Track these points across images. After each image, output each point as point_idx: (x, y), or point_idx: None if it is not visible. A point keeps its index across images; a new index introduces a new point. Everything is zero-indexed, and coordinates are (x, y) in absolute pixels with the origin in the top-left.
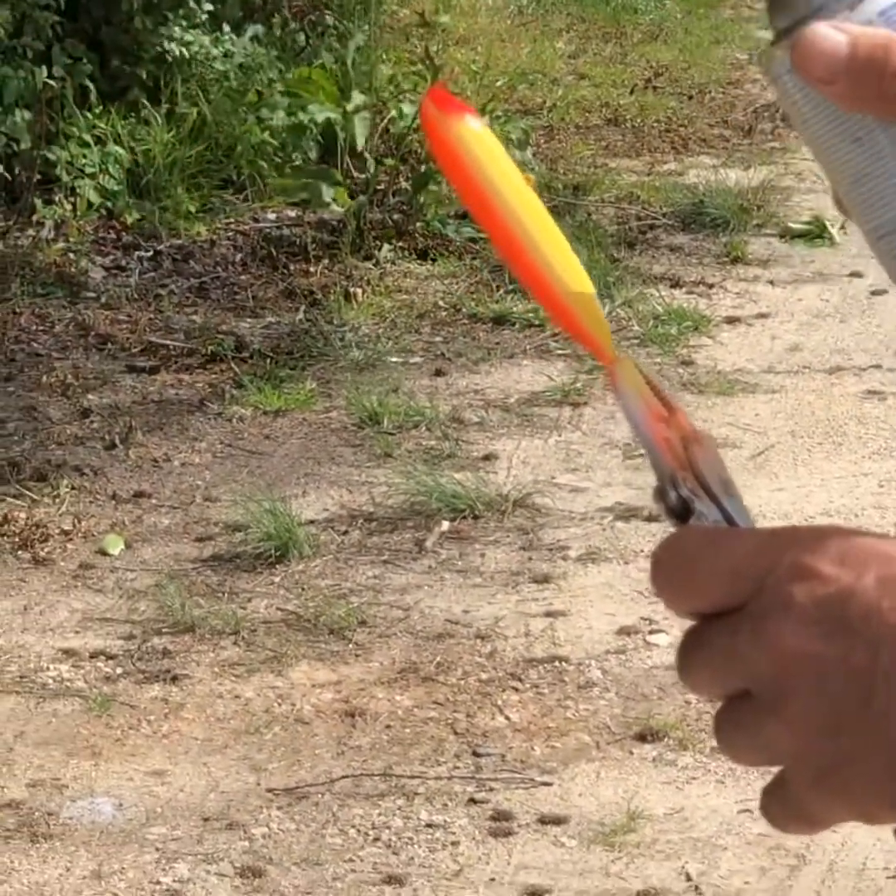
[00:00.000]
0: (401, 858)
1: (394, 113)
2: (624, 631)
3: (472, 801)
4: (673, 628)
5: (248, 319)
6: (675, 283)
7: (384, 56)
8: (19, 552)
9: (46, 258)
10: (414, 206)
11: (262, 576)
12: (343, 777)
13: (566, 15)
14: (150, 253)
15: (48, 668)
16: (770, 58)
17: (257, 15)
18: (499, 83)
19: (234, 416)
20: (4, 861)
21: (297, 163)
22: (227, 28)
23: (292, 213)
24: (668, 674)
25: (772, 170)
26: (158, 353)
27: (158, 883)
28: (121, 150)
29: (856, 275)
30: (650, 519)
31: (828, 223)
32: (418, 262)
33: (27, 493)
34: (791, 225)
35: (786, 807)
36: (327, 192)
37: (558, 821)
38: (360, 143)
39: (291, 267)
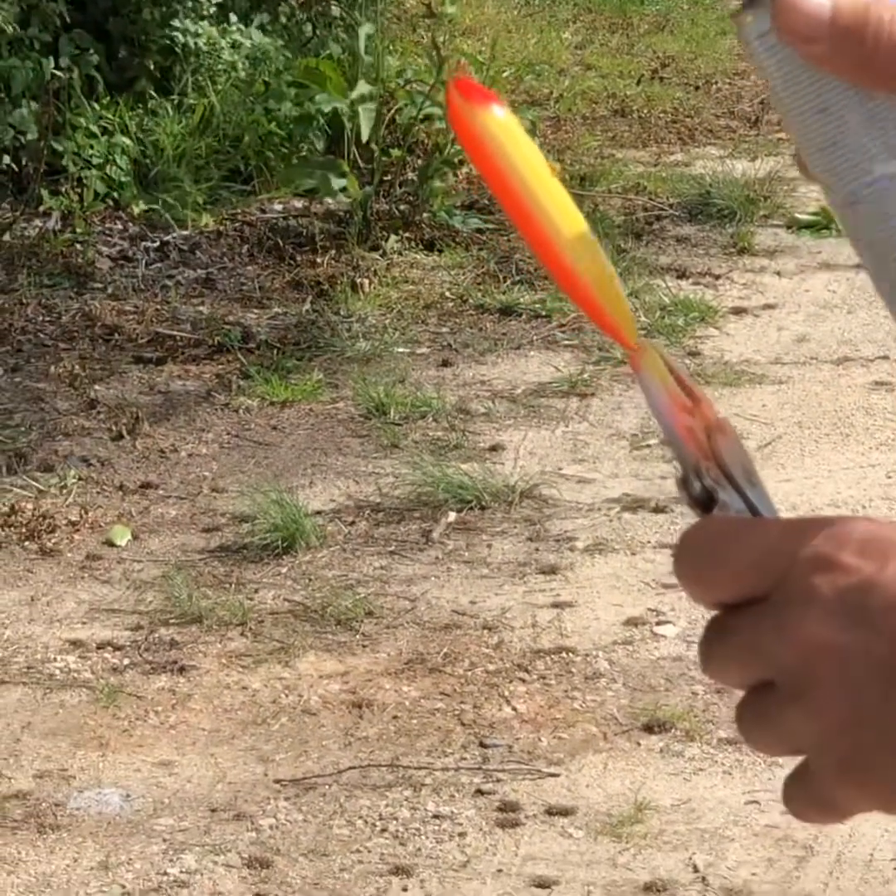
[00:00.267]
0: (408, 849)
1: (400, 104)
2: (631, 622)
3: (480, 792)
4: (680, 619)
5: (255, 310)
6: (682, 274)
7: (391, 47)
8: (26, 543)
9: (53, 249)
10: (420, 197)
11: (269, 567)
12: (350, 768)
13: (573, 5)
14: (157, 244)
15: (55, 659)
16: (741, 23)
17: (264, 5)
18: (505, 74)
19: (240, 407)
20: (12, 852)
21: (304, 153)
22: (234, 19)
23: (299, 204)
24: (675, 665)
25: (778, 160)
26: (165, 344)
27: (166, 874)
28: (128, 141)
29: (863, 266)
30: (657, 510)
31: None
32: (425, 252)
33: (34, 483)
34: (798, 216)
35: (808, 796)
36: (336, 183)
37: (565, 812)
38: (366, 134)
39: (298, 258)
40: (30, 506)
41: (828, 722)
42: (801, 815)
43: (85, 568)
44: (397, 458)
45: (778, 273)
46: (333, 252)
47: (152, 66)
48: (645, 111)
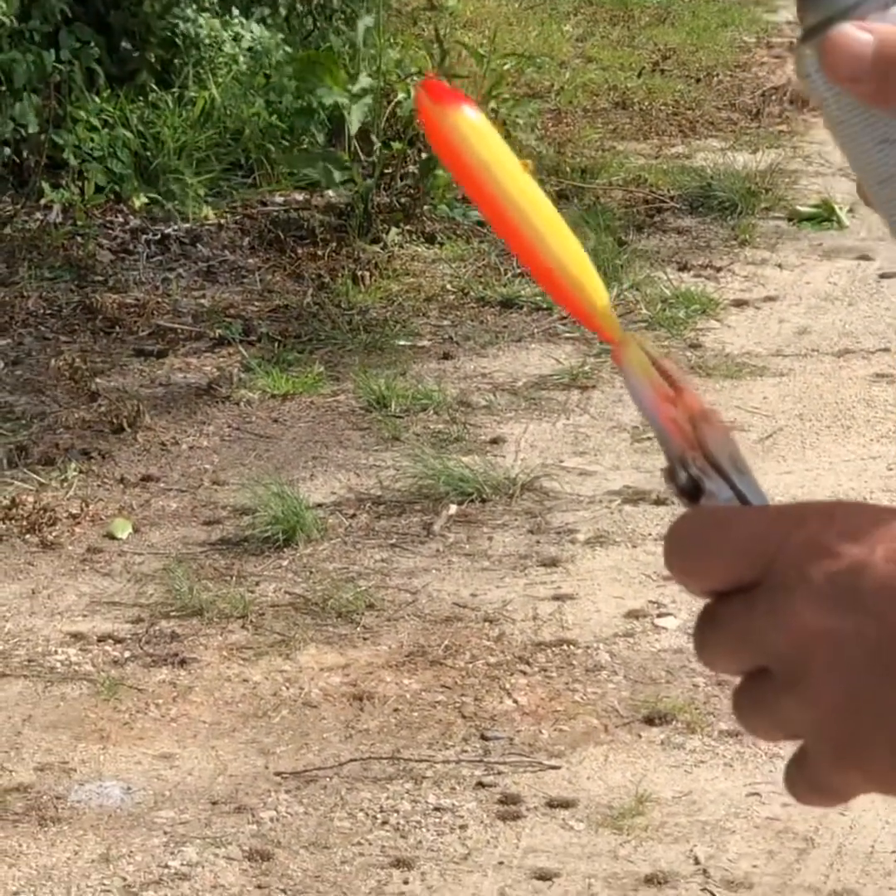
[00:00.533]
0: (409, 842)
1: (401, 96)
2: (632, 614)
3: (481, 784)
4: (681, 611)
5: (256, 303)
6: (683, 267)
7: (392, 39)
8: (27, 536)
9: (54, 242)
10: (421, 190)
11: (270, 559)
12: (351, 760)
13: None
14: (158, 236)
15: (56, 652)
16: (799, 56)
17: None
18: (506, 66)
19: (241, 400)
20: (13, 844)
21: (304, 146)
22: (235, 11)
23: (300, 197)
24: (676, 657)
25: (780, 153)
26: (166, 337)
27: (167, 866)
28: (129, 134)
29: (864, 258)
30: (658, 502)
31: (836, 206)
32: (426, 245)
33: (35, 476)
34: (799, 208)
35: (808, 781)
36: (338, 175)
37: (566, 804)
38: (355, 128)
39: (299, 250)
40: (31, 499)
41: (823, 707)
42: (803, 799)
43: (86, 561)
44: (398, 451)
45: (779, 265)
46: (334, 245)
47: (153, 59)
48: (646, 103)
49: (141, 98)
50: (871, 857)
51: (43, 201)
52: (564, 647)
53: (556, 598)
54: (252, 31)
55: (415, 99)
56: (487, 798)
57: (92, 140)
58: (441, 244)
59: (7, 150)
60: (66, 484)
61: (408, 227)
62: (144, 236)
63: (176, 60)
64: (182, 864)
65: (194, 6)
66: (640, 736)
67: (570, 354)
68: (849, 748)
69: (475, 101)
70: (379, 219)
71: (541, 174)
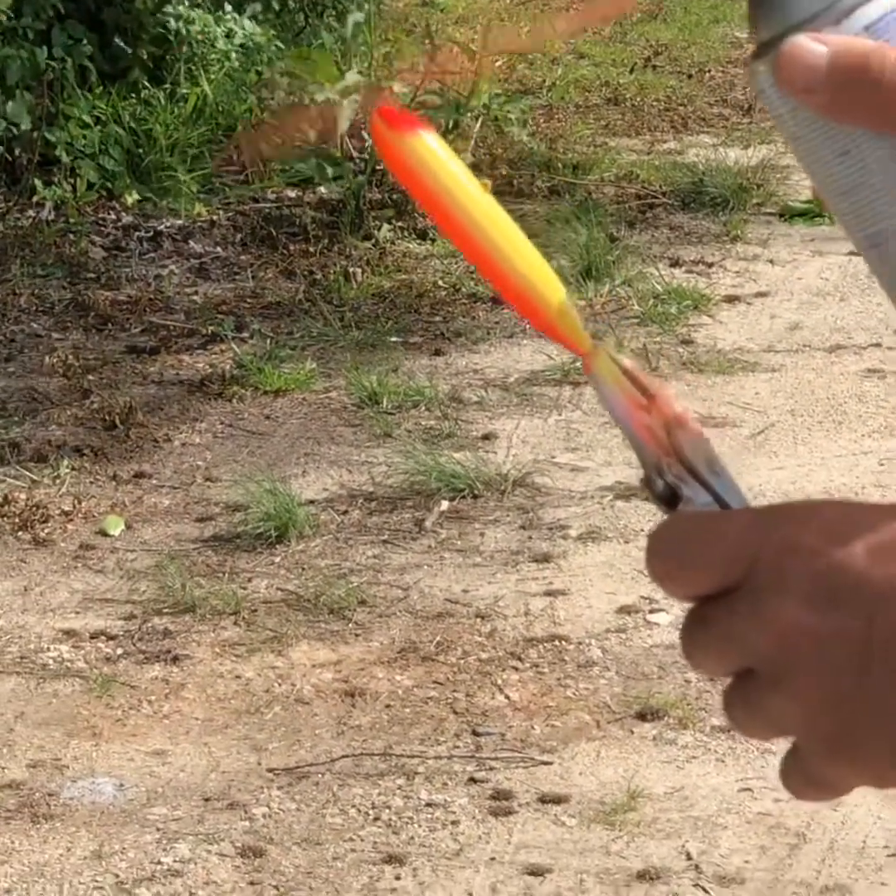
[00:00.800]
0: (401, 838)
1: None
2: (624, 610)
3: (472, 780)
4: (673, 607)
5: (248, 300)
6: (675, 263)
7: (383, 35)
8: (19, 533)
9: (46, 239)
10: None
11: (262, 556)
12: (343, 757)
13: None
14: (150, 233)
15: (49, 649)
16: (753, 72)
17: None
18: (498, 63)
19: (234, 397)
20: (5, 842)
21: (296, 143)
22: (228, 7)
23: (292, 194)
24: (668, 653)
25: (771, 149)
26: (159, 334)
27: (159, 863)
28: (121, 131)
29: (856, 253)
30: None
31: None
32: (418, 241)
33: (27, 473)
34: (790, 204)
35: (803, 776)
36: (330, 171)
37: (558, 800)
38: (344, 125)
39: (291, 247)
40: (23, 496)
41: (810, 704)
42: (800, 794)
43: (78, 558)
44: (390, 448)
45: (771, 261)
46: (326, 241)
47: (145, 56)
48: (638, 99)
49: (133, 95)
50: (863, 852)
51: (35, 199)
52: (556, 642)
53: (548, 593)
54: (244, 28)
55: (369, 126)
56: (479, 794)
57: (84, 137)
58: (433, 240)
59: None
60: (58, 481)
61: (399, 224)
62: (137, 233)
63: (168, 57)
64: (175, 861)
65: (187, 2)
66: (632, 731)
67: (562, 350)
68: (839, 743)
69: (430, 125)
70: (371, 215)
71: (532, 170)
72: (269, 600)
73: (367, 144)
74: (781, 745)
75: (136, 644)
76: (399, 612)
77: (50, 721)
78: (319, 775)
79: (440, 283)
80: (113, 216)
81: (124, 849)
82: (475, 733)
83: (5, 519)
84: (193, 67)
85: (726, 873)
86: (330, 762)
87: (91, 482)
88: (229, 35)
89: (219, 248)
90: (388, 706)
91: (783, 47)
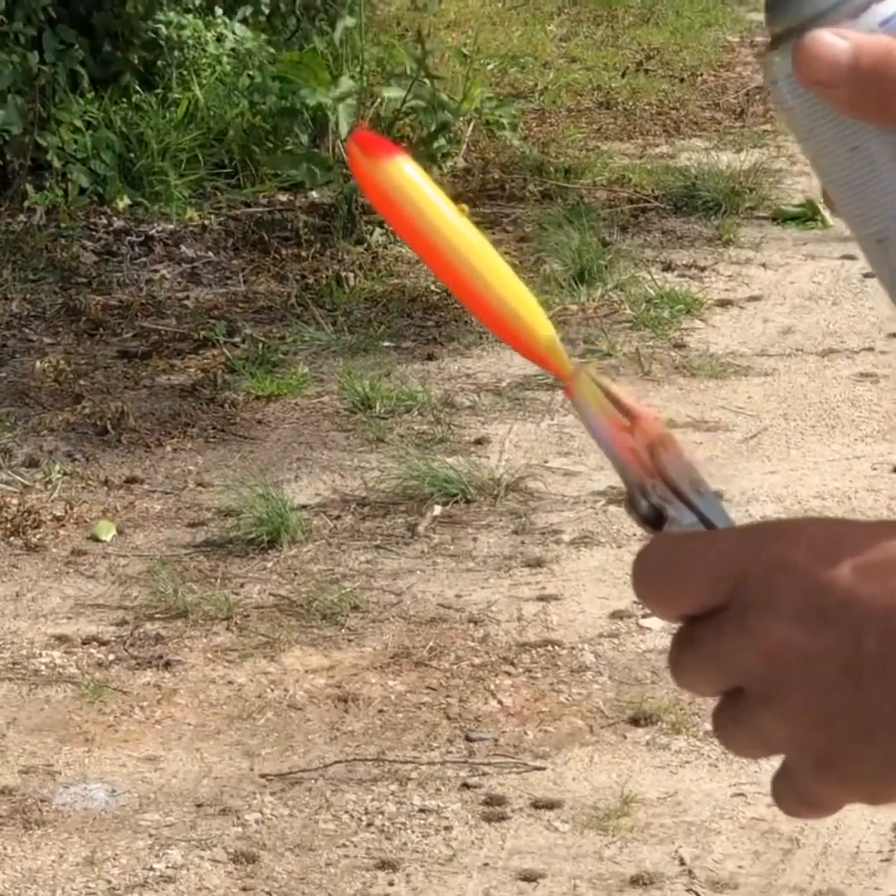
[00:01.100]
0: (394, 843)
1: (382, 96)
2: (617, 615)
3: (466, 785)
4: None
5: (240, 304)
6: (668, 267)
7: (375, 39)
8: (11, 538)
9: (38, 244)
10: None
11: (254, 561)
12: (336, 762)
13: None
14: (142, 238)
15: (41, 655)
16: (767, 63)
17: None
18: (490, 66)
19: (226, 402)
20: None
21: (288, 147)
22: (219, 11)
23: (284, 198)
24: (661, 657)
25: (764, 152)
26: (150, 339)
27: (152, 869)
28: (112, 136)
29: (848, 257)
30: None
31: (820, 206)
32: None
33: (19, 478)
34: (783, 207)
35: (794, 794)
36: (322, 176)
37: (551, 805)
38: (344, 129)
39: (283, 252)
40: (15, 501)
41: (799, 723)
42: (791, 812)
43: (70, 563)
44: (383, 452)
45: (763, 265)
46: (318, 246)
47: (136, 61)
48: (630, 103)
49: (124, 99)
50: (857, 857)
51: (27, 203)
52: (549, 647)
53: (541, 598)
54: (235, 32)
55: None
56: (472, 799)
57: (76, 142)
58: None
59: None
60: (50, 486)
61: (392, 228)
62: (128, 238)
63: (159, 62)
64: (167, 867)
65: (178, 7)
66: (625, 737)
67: None
68: (828, 761)
69: (407, 151)
70: (363, 220)
71: (524, 174)
72: (261, 606)
73: None
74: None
75: (129, 650)
76: (392, 617)
77: (42, 727)
78: (312, 781)
79: (432, 287)
80: (104, 221)
81: (117, 855)
82: (468, 739)
83: None
84: (185, 72)
85: (719, 878)
86: (323, 768)
87: (83, 487)
88: (220, 40)
89: (210, 253)
90: (380, 711)
91: (804, 40)
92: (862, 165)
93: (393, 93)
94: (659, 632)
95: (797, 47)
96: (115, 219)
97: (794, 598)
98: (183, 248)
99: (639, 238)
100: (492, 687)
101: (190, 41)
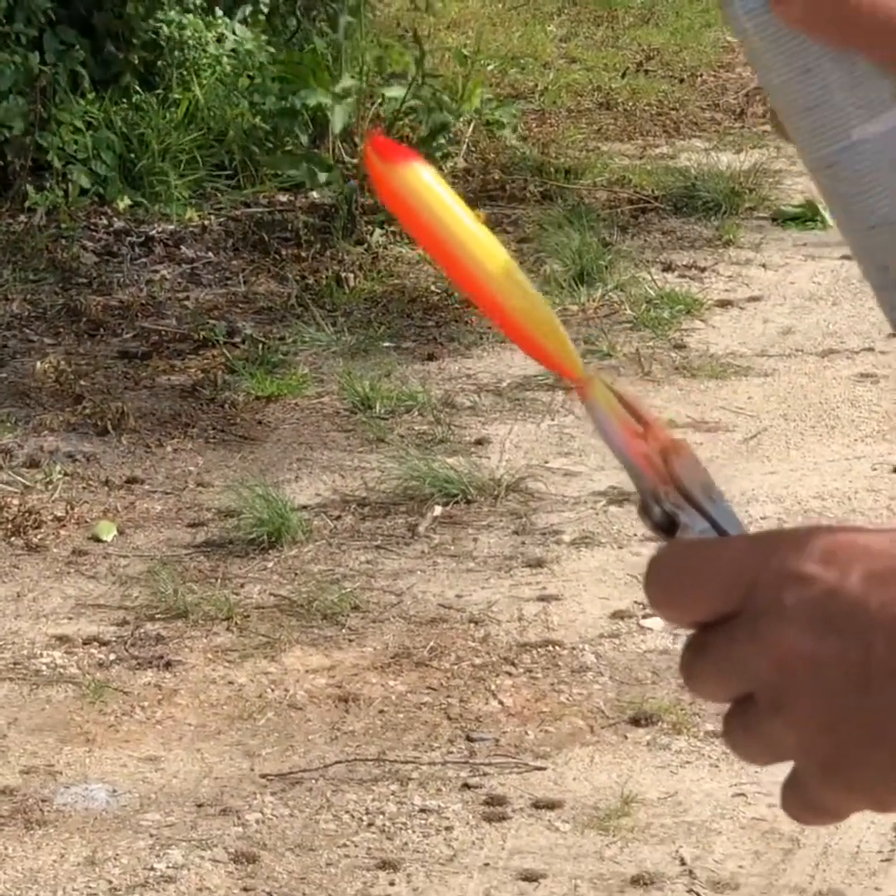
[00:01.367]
0: (395, 844)
1: (382, 97)
2: (617, 615)
3: (466, 785)
4: None
5: (240, 305)
6: (668, 267)
7: (375, 40)
8: (12, 539)
9: (38, 244)
10: None
11: (255, 561)
12: (336, 762)
13: None
14: (142, 239)
15: (41, 655)
16: None
17: None
18: (490, 67)
19: (226, 402)
20: None
21: (288, 147)
22: (219, 11)
23: (284, 199)
24: (661, 658)
25: (763, 153)
26: (150, 339)
27: (152, 869)
28: (113, 136)
29: (848, 257)
30: None
31: (820, 206)
32: (410, 246)
33: (20, 479)
34: (783, 208)
35: (801, 801)
36: (321, 176)
37: (552, 805)
38: (338, 129)
39: (283, 252)
40: (16, 501)
41: (808, 729)
42: (799, 818)
43: (71, 563)
44: (383, 453)
45: (763, 265)
46: (318, 246)
47: (137, 61)
48: (630, 104)
49: (125, 100)
50: (857, 857)
51: (27, 204)
52: (550, 647)
53: (542, 598)
54: (235, 33)
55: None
56: (473, 799)
57: (76, 142)
58: None
59: None
60: (50, 486)
61: (392, 228)
62: (128, 238)
63: (159, 62)
64: (168, 867)
65: (178, 7)
66: (625, 737)
67: None
68: (836, 768)
69: (422, 156)
70: (363, 220)
71: (525, 175)
72: (261, 606)
73: (358, 149)
74: None
75: (129, 650)
76: (392, 617)
77: (43, 727)
78: (313, 781)
79: (433, 287)
80: (105, 221)
81: (117, 855)
82: (469, 739)
83: None
84: (185, 72)
85: (720, 878)
86: (323, 768)
87: (83, 488)
88: (220, 40)
89: (210, 254)
90: (381, 712)
91: None
92: (814, 87)
93: (393, 93)
94: (659, 632)
95: None
96: (115, 219)
97: (804, 606)
98: (183, 248)
99: (639, 239)
100: (492, 687)
101: (190, 42)
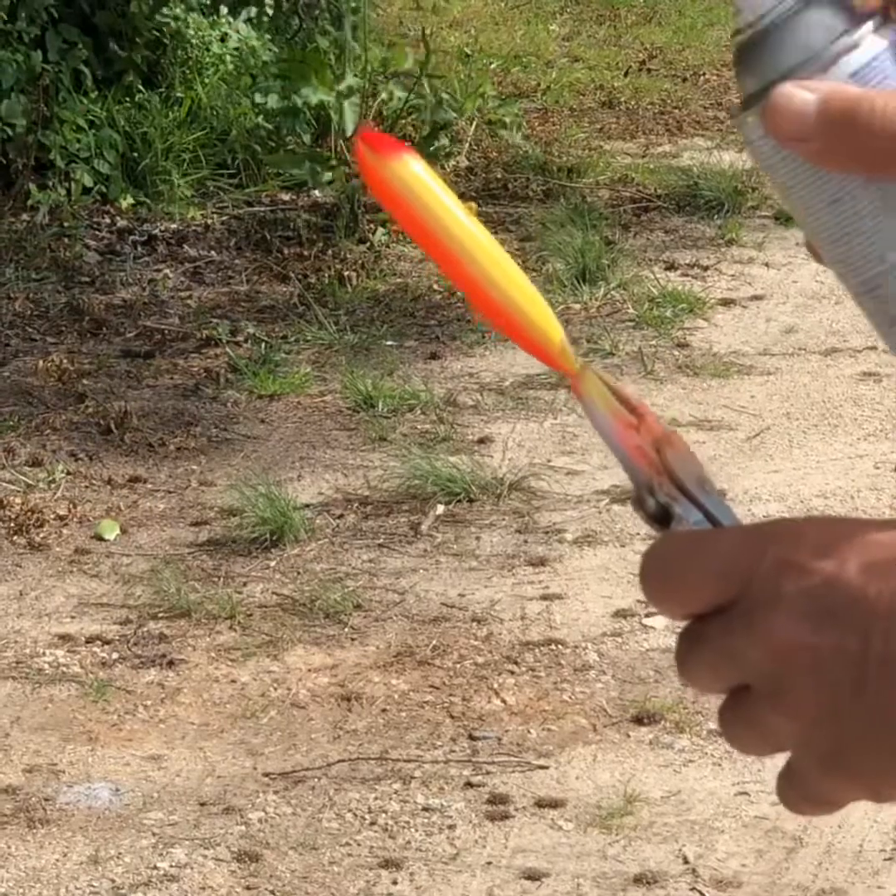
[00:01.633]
0: (397, 842)
1: (384, 95)
2: (620, 613)
3: (469, 784)
4: None
5: (243, 303)
6: (670, 266)
7: (378, 38)
8: (15, 537)
9: (41, 243)
10: None
11: (257, 560)
12: (339, 761)
13: None
14: (145, 237)
15: (44, 654)
16: (742, 124)
17: None
18: (493, 66)
19: (228, 401)
20: (1, 847)
21: (290, 146)
22: (223, 10)
23: (286, 197)
24: (664, 656)
25: None
26: (153, 338)
27: (155, 868)
28: (115, 135)
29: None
30: None
31: None
32: (412, 245)
33: (23, 478)
34: (785, 207)
35: (798, 792)
36: (324, 175)
37: (555, 804)
38: (350, 127)
39: (286, 251)
40: (18, 500)
41: (805, 720)
42: (796, 809)
43: (73, 562)
44: (385, 451)
45: (766, 264)
46: (321, 245)
47: (140, 60)
48: (632, 103)
49: (128, 99)
50: (860, 855)
51: (30, 202)
52: (552, 646)
53: (544, 597)
54: (239, 31)
55: (355, 152)
56: (476, 798)
57: (79, 141)
58: None
59: None
60: (53, 485)
61: (394, 227)
62: (131, 237)
63: (162, 61)
64: (171, 866)
65: (182, 5)
66: (628, 735)
67: None
68: (833, 758)
69: (414, 149)
70: (365, 219)
71: (527, 173)
72: (264, 605)
73: None
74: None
75: (132, 649)
76: (395, 616)
77: (46, 726)
78: (315, 780)
79: (435, 286)
80: (107, 220)
81: (120, 854)
82: (471, 737)
83: (0, 523)
84: (188, 71)
85: (723, 877)
86: (326, 767)
87: (86, 486)
88: (224, 39)
89: (213, 252)
90: (384, 710)
91: (771, 96)
92: (844, 217)
93: (397, 91)
94: (662, 630)
95: (766, 104)
96: (118, 218)
97: (801, 597)
98: (186, 247)
99: (641, 237)
100: (495, 686)
101: (193, 40)
